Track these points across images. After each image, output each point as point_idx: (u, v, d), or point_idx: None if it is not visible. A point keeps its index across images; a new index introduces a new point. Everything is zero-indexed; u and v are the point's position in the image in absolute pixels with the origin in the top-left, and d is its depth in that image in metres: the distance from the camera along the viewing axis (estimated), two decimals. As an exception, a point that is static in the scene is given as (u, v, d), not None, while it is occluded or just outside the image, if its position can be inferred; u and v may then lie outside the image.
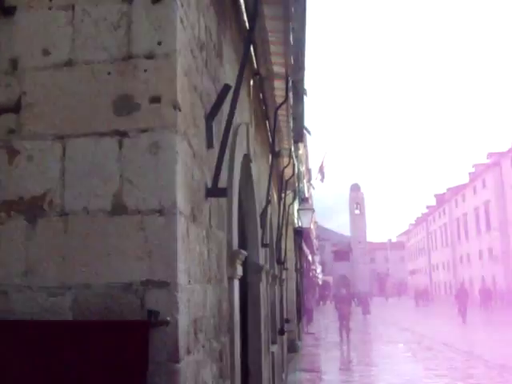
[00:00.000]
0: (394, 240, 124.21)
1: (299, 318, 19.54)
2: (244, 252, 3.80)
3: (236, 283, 3.72)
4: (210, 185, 2.97)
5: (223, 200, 3.47)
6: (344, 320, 20.12)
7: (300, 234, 19.99)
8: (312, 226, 42.03)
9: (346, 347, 18.55)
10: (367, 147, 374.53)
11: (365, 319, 34.88)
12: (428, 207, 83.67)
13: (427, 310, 35.71)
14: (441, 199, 72.36)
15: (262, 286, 5.86)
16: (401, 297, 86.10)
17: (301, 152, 25.55)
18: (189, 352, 2.36)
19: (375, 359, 16.37)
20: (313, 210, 19.35)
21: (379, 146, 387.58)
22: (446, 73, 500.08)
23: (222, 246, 3.36)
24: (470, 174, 59.01)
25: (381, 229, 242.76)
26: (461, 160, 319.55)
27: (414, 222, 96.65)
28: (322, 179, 28.22)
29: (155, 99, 2.33)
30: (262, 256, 6.04)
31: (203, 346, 2.69)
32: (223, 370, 3.26)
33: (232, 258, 3.52)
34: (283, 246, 10.49)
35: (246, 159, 4.69)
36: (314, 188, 33.96)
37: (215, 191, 2.94)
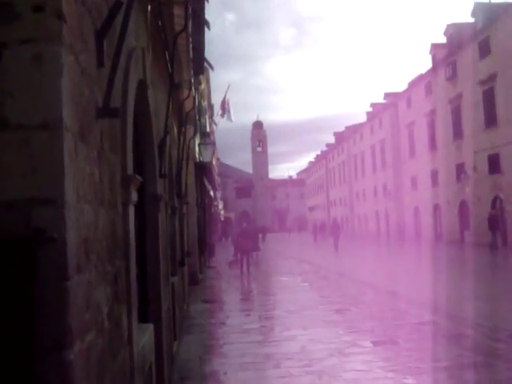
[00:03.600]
0: (294, 177, 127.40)
1: (201, 252, 19.83)
2: (139, 178, 3.74)
3: (131, 209, 3.68)
4: (100, 105, 2.87)
5: (117, 123, 3.38)
6: (244, 254, 20.65)
7: (201, 168, 20.04)
8: (214, 163, 42.10)
9: (246, 279, 19.14)
10: (271, 83, 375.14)
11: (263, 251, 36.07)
12: (327, 145, 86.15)
13: (324, 243, 37.40)
14: (340, 138, 74.62)
15: (161, 217, 5.85)
16: (301, 232, 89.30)
17: (203, 87, 25.25)
18: (79, 271, 2.33)
19: (274, 289, 17.04)
20: (214, 145, 19.39)
21: (283, 82, 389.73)
22: (346, 11, 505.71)
23: (115, 169, 3.29)
24: (367, 113, 61.02)
25: (282, 166, 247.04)
26: (360, 100, 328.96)
27: (313, 160, 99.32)
28: (223, 115, 28.13)
29: (38, 8, 2.18)
30: (161, 186, 6.00)
31: (96, 267, 2.66)
32: (119, 294, 3.26)
33: (126, 182, 3.46)
34: (183, 180, 10.47)
35: (143, 85, 4.56)
36: (216, 124, 33.83)
37: (106, 111, 2.84)
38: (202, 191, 22.23)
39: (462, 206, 36.15)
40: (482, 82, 31.93)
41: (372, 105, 59.30)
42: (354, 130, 64.67)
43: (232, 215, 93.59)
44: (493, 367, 6.65)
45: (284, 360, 7.33)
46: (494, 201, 31.69)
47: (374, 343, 8.12)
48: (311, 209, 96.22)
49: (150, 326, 4.73)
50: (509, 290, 14.18)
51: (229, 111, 28.55)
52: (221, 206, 66.07)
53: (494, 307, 10.98)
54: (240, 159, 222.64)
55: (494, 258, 23.79)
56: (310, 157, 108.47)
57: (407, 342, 8.07)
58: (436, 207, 40.69)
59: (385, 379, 6.30)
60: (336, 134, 78.66)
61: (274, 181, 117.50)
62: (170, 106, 6.60)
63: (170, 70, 6.85)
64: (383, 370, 6.68)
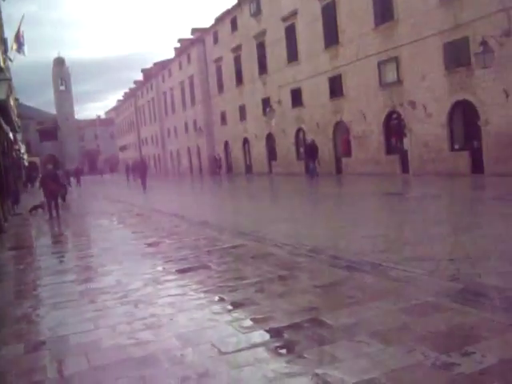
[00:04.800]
0: (103, 117, 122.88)
1: (3, 199, 18.40)
2: None
3: None
4: None
5: None
6: (51, 197, 19.53)
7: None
8: (12, 103, 38.68)
9: (56, 223, 18.26)
10: (71, 17, 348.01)
11: (75, 195, 34.74)
12: (136, 82, 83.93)
13: (138, 183, 36.98)
14: (148, 74, 72.99)
15: None
16: (113, 173, 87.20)
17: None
18: None
19: (87, 230, 16.55)
20: (9, 81, 17.73)
21: (84, 17, 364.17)
22: None
23: None
24: (175, 49, 60.29)
25: (90, 106, 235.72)
26: (169, 36, 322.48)
27: (122, 98, 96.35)
28: (19, 49, 25.73)
29: None
30: None
31: None
32: None
33: None
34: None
35: None
36: (11, 60, 30.84)
37: None
38: (-1, 131, 20.36)
39: (269, 139, 37.99)
40: (285, 18, 33.15)
41: (180, 40, 58.63)
42: (162, 67, 63.63)
43: (37, 160, 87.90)
44: (296, 278, 7.21)
45: (99, 295, 7.19)
46: (298, 132, 33.77)
47: (187, 270, 8.28)
48: (122, 148, 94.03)
49: None
50: (314, 212, 15.38)
51: (23, 45, 26.16)
52: (23, 149, 61.50)
53: (297, 227, 11.83)
54: (43, 100, 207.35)
55: (312, 183, 25.50)
56: (119, 95, 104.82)
57: (219, 266, 8.36)
58: (245, 140, 42.22)
59: (198, 299, 6.49)
60: (144, 71, 76.79)
61: (81, 121, 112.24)
62: None
63: None
64: (196, 291, 6.87)
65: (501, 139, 18.91)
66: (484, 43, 18.08)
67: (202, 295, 6.69)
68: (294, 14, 32.01)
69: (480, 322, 4.86)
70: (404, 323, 4.98)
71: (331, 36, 28.57)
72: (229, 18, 42.15)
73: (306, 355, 4.42)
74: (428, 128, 22.33)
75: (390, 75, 24.41)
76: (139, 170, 36.97)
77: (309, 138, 29.87)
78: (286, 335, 4.97)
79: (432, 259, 7.29)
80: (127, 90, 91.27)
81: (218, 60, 45.30)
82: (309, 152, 28.07)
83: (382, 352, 4.33)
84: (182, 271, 8.23)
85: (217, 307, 6.11)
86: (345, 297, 6.07)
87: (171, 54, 61.77)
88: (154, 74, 68.12)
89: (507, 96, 18.37)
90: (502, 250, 7.56)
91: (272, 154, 37.82)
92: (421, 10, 21.88)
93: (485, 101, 19.37)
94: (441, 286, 6.04)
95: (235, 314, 5.77)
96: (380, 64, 24.91)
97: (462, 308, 5.25)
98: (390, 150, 25.44)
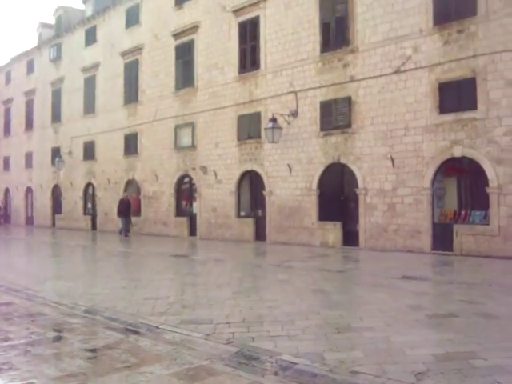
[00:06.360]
0: None
1: None
2: None
3: None
4: None
5: None
6: None
7: None
8: None
9: None
10: None
11: None
12: None
13: None
14: None
15: None
16: None
17: None
18: None
19: None
20: None
21: None
22: None
23: None
24: None
25: None
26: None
27: None
28: None
29: None
30: None
31: None
32: None
33: None
34: None
35: None
36: None
37: None
38: None
39: (55, 190, 36.04)
40: (85, 69, 32.40)
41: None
42: None
43: None
44: (66, 340, 6.62)
45: None
46: (87, 186, 32.58)
47: None
48: None
49: None
50: (96, 270, 14.64)
51: None
52: None
53: (75, 286, 11.08)
54: None
55: (128, 239, 24.29)
56: None
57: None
58: (28, 190, 39.49)
59: None
60: None
61: None
62: None
63: None
64: None
65: (282, 210, 20.27)
66: (273, 120, 19.49)
67: None
68: (96, 66, 31.48)
69: (250, 387, 4.84)
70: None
71: (131, 93, 28.54)
72: (26, 60, 39.93)
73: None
74: (217, 194, 23.10)
75: (186, 139, 24.96)
76: None
77: (124, 194, 27.97)
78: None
79: (210, 322, 7.26)
80: None
81: (8, 101, 42.32)
82: (121, 208, 26.23)
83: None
84: None
85: (-34, 373, 5.29)
86: (117, 361, 5.68)
87: None
88: None
89: (290, 170, 19.88)
90: (275, 314, 7.82)
91: (57, 206, 35.83)
92: (220, 81, 23.01)
93: (271, 173, 20.72)
94: (216, 349, 5.99)
95: (-14, 381, 5.02)
96: (177, 127, 25.40)
97: (235, 371, 5.22)
98: (179, 213, 25.68)
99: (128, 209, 26.25)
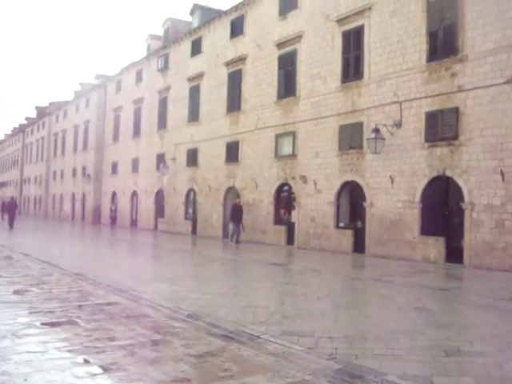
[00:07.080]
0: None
1: None
2: None
3: None
4: None
5: None
6: None
7: None
8: None
9: None
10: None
11: None
12: (27, 119, 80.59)
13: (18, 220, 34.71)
14: (42, 112, 70.38)
15: None
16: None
17: None
18: None
19: None
20: None
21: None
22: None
23: None
24: (75, 91, 58.93)
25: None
26: (69, 77, 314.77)
27: (10, 133, 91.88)
28: None
29: None
30: None
31: None
32: None
33: None
34: None
35: None
36: None
37: None
38: None
39: (159, 195, 37.41)
40: (190, 78, 33.48)
41: (81, 84, 57.47)
42: (58, 107, 61.65)
43: None
44: (170, 344, 6.78)
45: None
46: (189, 192, 33.54)
47: (53, 324, 7.58)
48: (1, 185, 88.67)
49: None
50: (196, 275, 15.00)
51: None
52: None
53: (177, 289, 11.37)
54: None
55: (232, 244, 24.79)
56: (6, 129, 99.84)
57: (88, 323, 7.73)
58: (134, 194, 41.27)
59: (60, 359, 5.85)
60: (38, 108, 74.00)
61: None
62: None
63: None
64: (59, 350, 6.22)
65: (383, 222, 19.81)
66: (376, 130, 19.14)
67: (65, 355, 6.05)
68: (201, 75, 32.44)
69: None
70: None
71: (234, 102, 29.13)
72: (135, 69, 41.96)
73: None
74: (316, 203, 22.98)
75: (286, 148, 25.09)
76: (8, 209, 36.05)
77: (237, 199, 27.30)
78: (152, 408, 4.55)
79: (311, 335, 7.17)
80: (17, 125, 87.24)
81: (118, 109, 44.60)
82: (234, 213, 25.89)
83: None
84: (46, 325, 7.52)
85: (80, 370, 5.52)
86: (220, 369, 5.73)
87: (69, 97, 60.15)
88: (48, 112, 65.73)
89: (392, 182, 19.40)
90: (378, 330, 7.62)
91: (160, 210, 37.18)
92: (322, 91, 22.94)
93: (372, 184, 20.33)
94: (318, 364, 5.90)
95: (99, 380, 5.24)
96: (277, 136, 25.59)
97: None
98: (277, 221, 25.80)
99: (241, 214, 25.83)
